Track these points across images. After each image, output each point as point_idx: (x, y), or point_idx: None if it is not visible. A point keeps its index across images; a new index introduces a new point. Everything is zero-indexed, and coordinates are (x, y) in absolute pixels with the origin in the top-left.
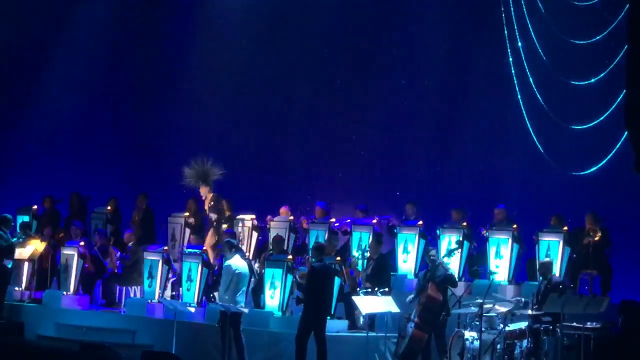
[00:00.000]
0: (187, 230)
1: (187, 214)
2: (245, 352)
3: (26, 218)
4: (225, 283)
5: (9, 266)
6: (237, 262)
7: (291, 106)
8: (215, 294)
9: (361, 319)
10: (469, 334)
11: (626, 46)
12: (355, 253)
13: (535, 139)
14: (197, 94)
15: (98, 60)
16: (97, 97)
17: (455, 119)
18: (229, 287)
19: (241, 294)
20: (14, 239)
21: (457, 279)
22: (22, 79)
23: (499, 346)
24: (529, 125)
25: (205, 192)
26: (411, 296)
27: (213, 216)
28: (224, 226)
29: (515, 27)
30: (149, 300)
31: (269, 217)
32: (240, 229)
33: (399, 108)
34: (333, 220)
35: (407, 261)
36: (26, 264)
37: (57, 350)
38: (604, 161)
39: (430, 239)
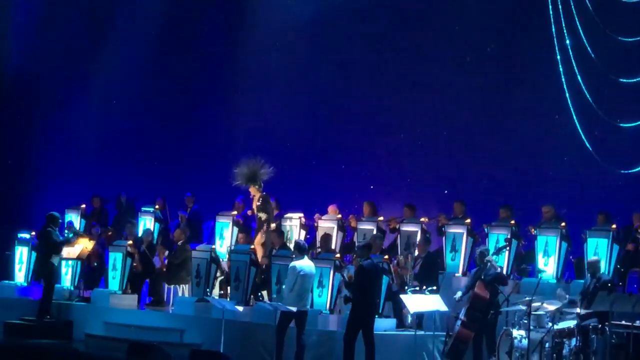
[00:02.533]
0: (235, 229)
1: (234, 212)
2: (304, 353)
3: (75, 217)
4: (289, 284)
5: (55, 263)
6: (302, 263)
7: (341, 105)
8: (264, 292)
9: (409, 318)
10: (517, 333)
11: None
12: (403, 251)
13: (583, 136)
14: (246, 93)
15: (146, 59)
16: (145, 97)
17: (502, 117)
18: (293, 288)
19: (305, 295)
20: (63, 237)
21: (506, 278)
22: (71, 78)
23: (547, 345)
24: (577, 123)
25: (254, 192)
26: (459, 294)
27: (262, 215)
28: (273, 225)
29: (564, 25)
30: (197, 299)
31: (317, 215)
32: (288, 228)
33: (446, 106)
34: (381, 218)
35: (455, 259)
36: (75, 263)
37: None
38: None
39: (478, 238)
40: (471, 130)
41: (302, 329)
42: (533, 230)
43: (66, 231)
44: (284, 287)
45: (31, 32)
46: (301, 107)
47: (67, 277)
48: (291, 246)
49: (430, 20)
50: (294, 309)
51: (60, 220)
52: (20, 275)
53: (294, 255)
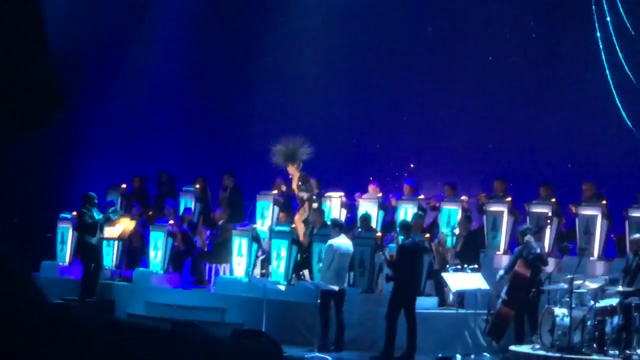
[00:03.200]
0: (276, 208)
1: (275, 191)
2: (344, 333)
3: (115, 197)
4: (327, 262)
5: (94, 242)
6: (339, 241)
7: (380, 85)
8: (305, 271)
9: (451, 296)
10: (559, 311)
11: None
12: (444, 230)
13: (624, 114)
14: (285, 73)
15: (185, 38)
16: (184, 76)
17: (543, 95)
18: (330, 266)
19: (343, 273)
20: (100, 216)
21: (545, 258)
22: (110, 58)
23: (589, 323)
24: (617, 100)
25: (293, 171)
26: (501, 272)
27: (303, 194)
28: (314, 205)
29: (604, 2)
30: (239, 278)
31: (357, 194)
32: (328, 207)
33: (487, 84)
34: (422, 197)
35: (496, 238)
36: (116, 243)
37: (150, 329)
38: None
39: (519, 216)
40: (512, 108)
41: (341, 308)
42: (574, 208)
43: (111, 209)
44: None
45: (73, 10)
46: (341, 85)
47: (108, 257)
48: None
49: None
50: (335, 287)
51: (96, 200)
52: (62, 256)
53: (331, 234)
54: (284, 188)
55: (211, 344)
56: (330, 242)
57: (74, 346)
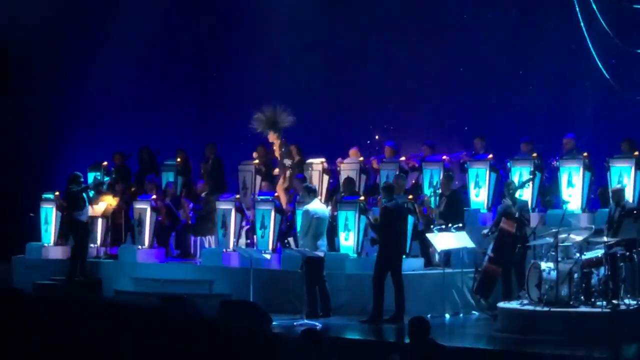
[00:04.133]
0: (258, 178)
1: (256, 161)
2: (329, 298)
3: (97, 175)
4: (304, 228)
5: (84, 219)
6: (315, 206)
7: (358, 46)
8: (290, 239)
9: (437, 256)
10: (545, 265)
11: None
12: (427, 191)
13: (600, 65)
14: (263, 40)
15: (163, 10)
16: (162, 49)
17: (520, 50)
18: (308, 232)
19: (321, 238)
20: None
21: (529, 210)
22: (86, 33)
23: (576, 275)
24: (592, 51)
25: (274, 139)
26: (485, 230)
27: (286, 162)
28: (295, 171)
29: None
30: (224, 250)
31: (339, 159)
32: (310, 173)
33: (464, 42)
34: (403, 159)
35: (479, 195)
36: (100, 221)
37: (136, 306)
38: None
39: (501, 172)
40: (489, 65)
41: (322, 274)
42: (555, 163)
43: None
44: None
45: None
46: (318, 51)
47: (92, 235)
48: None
49: None
50: (321, 253)
51: (82, 179)
52: (47, 236)
53: (304, 199)
54: (265, 157)
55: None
56: (306, 207)
57: None
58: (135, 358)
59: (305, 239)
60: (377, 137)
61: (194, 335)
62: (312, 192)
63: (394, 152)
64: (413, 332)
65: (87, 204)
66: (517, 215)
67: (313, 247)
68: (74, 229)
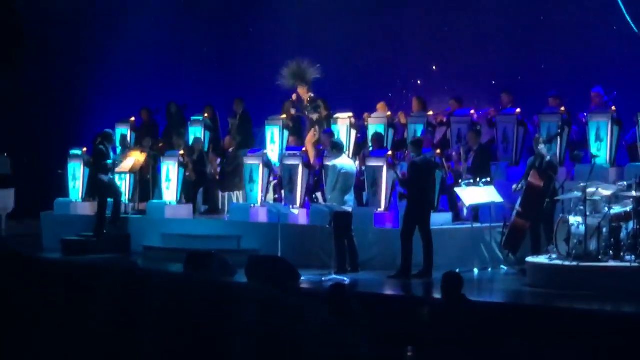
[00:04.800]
0: (286, 132)
1: (284, 116)
2: (357, 253)
3: (125, 131)
4: (331, 183)
5: (106, 180)
6: (342, 162)
7: (384, 3)
8: (318, 194)
9: (465, 211)
10: (573, 219)
11: None
12: (455, 145)
13: (627, 17)
14: None
15: None
16: (188, 6)
17: (546, 5)
18: (335, 187)
19: (349, 193)
20: (111, 160)
21: (557, 165)
22: None
23: (604, 230)
24: (621, 3)
25: (302, 93)
26: (516, 185)
27: (312, 116)
28: (322, 126)
29: None
30: (252, 205)
31: (366, 114)
32: (338, 127)
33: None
34: (431, 113)
35: (507, 150)
36: (128, 177)
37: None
38: None
39: (529, 127)
40: (516, 19)
41: (350, 228)
42: (585, 119)
43: (119, 147)
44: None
45: None
46: (345, 4)
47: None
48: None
49: None
50: (349, 208)
51: (114, 138)
52: (74, 192)
53: (331, 154)
54: (293, 112)
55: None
56: (333, 162)
57: None
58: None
59: (333, 194)
60: (418, 82)
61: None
62: (339, 147)
63: (421, 105)
64: (446, 287)
65: (110, 166)
66: (545, 169)
67: (341, 202)
68: (98, 188)
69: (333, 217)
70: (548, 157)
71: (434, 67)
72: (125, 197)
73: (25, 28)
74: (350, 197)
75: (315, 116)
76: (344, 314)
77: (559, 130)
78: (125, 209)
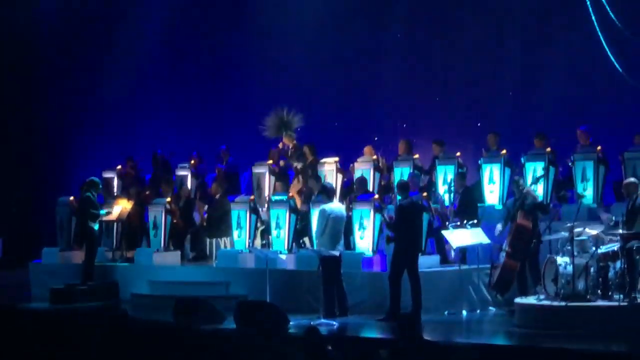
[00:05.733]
0: (272, 178)
1: (270, 162)
2: (346, 298)
3: (111, 179)
4: (320, 227)
5: (95, 228)
6: (332, 206)
7: (369, 45)
8: (305, 239)
9: (452, 253)
10: (561, 260)
11: None
12: (441, 188)
13: (611, 57)
14: (275, 42)
15: (173, 14)
16: (174, 55)
17: (531, 45)
18: (324, 232)
19: (340, 238)
20: (102, 212)
21: (547, 206)
22: (99, 42)
23: (592, 269)
24: (604, 43)
25: (287, 140)
26: (499, 226)
27: (297, 164)
28: (308, 172)
29: None
30: (240, 251)
31: (351, 165)
32: (325, 173)
33: (475, 39)
34: (417, 156)
35: (493, 192)
36: (115, 224)
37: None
38: None
39: (515, 168)
40: (501, 61)
41: (339, 272)
42: (571, 160)
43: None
44: (314, 231)
45: None
46: (330, 50)
47: (109, 239)
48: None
49: None
50: (336, 252)
51: (100, 186)
52: (62, 241)
53: (322, 199)
54: (281, 163)
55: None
56: (322, 207)
57: None
58: None
59: (322, 238)
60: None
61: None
62: (329, 192)
63: (408, 148)
64: (402, 329)
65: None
66: (532, 210)
67: (330, 246)
68: (87, 236)
69: (321, 262)
70: (538, 199)
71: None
72: (113, 245)
73: (10, 75)
74: (341, 242)
75: (299, 165)
76: (318, 358)
77: (544, 172)
78: (113, 256)
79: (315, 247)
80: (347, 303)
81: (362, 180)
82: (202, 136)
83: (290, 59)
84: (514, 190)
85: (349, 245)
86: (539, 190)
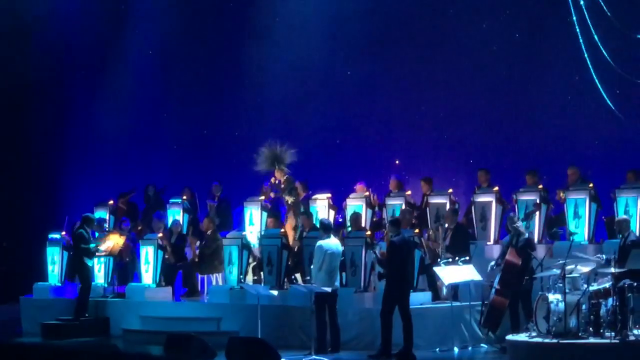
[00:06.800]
0: (264, 214)
1: (262, 197)
2: (339, 334)
3: (103, 214)
4: (317, 263)
5: (90, 264)
6: (329, 242)
7: (361, 82)
8: (297, 275)
9: (444, 290)
10: (553, 297)
11: None
12: (432, 224)
13: (604, 94)
14: (267, 78)
15: (165, 51)
16: (165, 88)
17: (522, 82)
18: (321, 267)
19: (336, 274)
20: (92, 245)
21: (534, 242)
22: (90, 79)
23: (584, 307)
24: (597, 81)
25: (280, 175)
26: (492, 263)
27: (289, 198)
28: (299, 208)
29: None
30: (232, 287)
31: (344, 203)
32: (317, 209)
33: (467, 76)
34: (409, 192)
35: (485, 229)
36: (107, 259)
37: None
38: None
39: (508, 205)
40: (492, 98)
41: (334, 310)
42: (562, 193)
43: (96, 234)
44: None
45: (51, 33)
46: (322, 87)
47: (100, 274)
48: None
49: None
50: (328, 289)
51: (95, 223)
52: (53, 276)
53: (320, 235)
54: (272, 195)
55: None
56: (319, 243)
57: None
58: None
59: (319, 274)
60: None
61: None
62: (326, 228)
63: (400, 185)
64: None
65: (93, 250)
66: (522, 247)
67: (326, 282)
68: (81, 271)
69: (315, 298)
70: (526, 235)
71: (412, 146)
72: (104, 280)
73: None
74: (337, 278)
75: (291, 199)
76: None
77: (535, 208)
78: (105, 292)
79: (307, 283)
80: (339, 339)
81: (357, 217)
82: (194, 170)
83: (282, 94)
84: (509, 226)
85: (342, 281)
86: (531, 226)
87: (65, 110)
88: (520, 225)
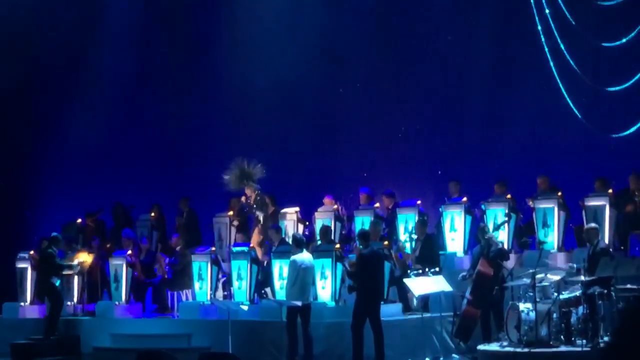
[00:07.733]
0: (233, 229)
1: (230, 213)
2: (312, 344)
3: (71, 233)
4: (291, 278)
5: (57, 283)
6: (301, 256)
7: (329, 93)
8: (267, 289)
9: (415, 301)
10: (523, 306)
11: None
12: (402, 236)
13: (571, 104)
14: (234, 91)
15: (134, 67)
16: (133, 105)
17: (492, 91)
18: (295, 282)
19: (307, 288)
20: (61, 263)
21: (507, 252)
22: (55, 92)
23: (554, 315)
24: (563, 91)
25: (249, 191)
26: (463, 273)
27: (258, 213)
28: (268, 222)
29: None
30: (202, 303)
31: (313, 216)
32: (285, 223)
33: (435, 87)
34: (377, 205)
35: (455, 239)
36: (76, 278)
37: None
38: None
39: (476, 215)
40: (460, 108)
41: (308, 322)
42: (531, 202)
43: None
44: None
45: (19, 46)
46: (288, 100)
47: (69, 292)
48: (290, 241)
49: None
50: (299, 303)
51: (62, 242)
52: (22, 296)
53: (293, 250)
54: (242, 211)
55: None
56: (293, 258)
57: None
58: None
59: (292, 288)
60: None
61: None
62: (299, 243)
63: (369, 198)
64: None
65: (62, 270)
66: (494, 257)
67: (299, 297)
68: (48, 290)
69: (287, 312)
70: (499, 245)
71: (380, 157)
72: (73, 298)
73: None
74: (310, 292)
75: (261, 215)
76: None
77: (506, 218)
78: (74, 310)
79: (278, 298)
80: (312, 350)
81: (327, 230)
82: (162, 187)
83: (249, 110)
84: (479, 237)
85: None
86: (501, 236)
87: (32, 128)
88: (493, 236)
